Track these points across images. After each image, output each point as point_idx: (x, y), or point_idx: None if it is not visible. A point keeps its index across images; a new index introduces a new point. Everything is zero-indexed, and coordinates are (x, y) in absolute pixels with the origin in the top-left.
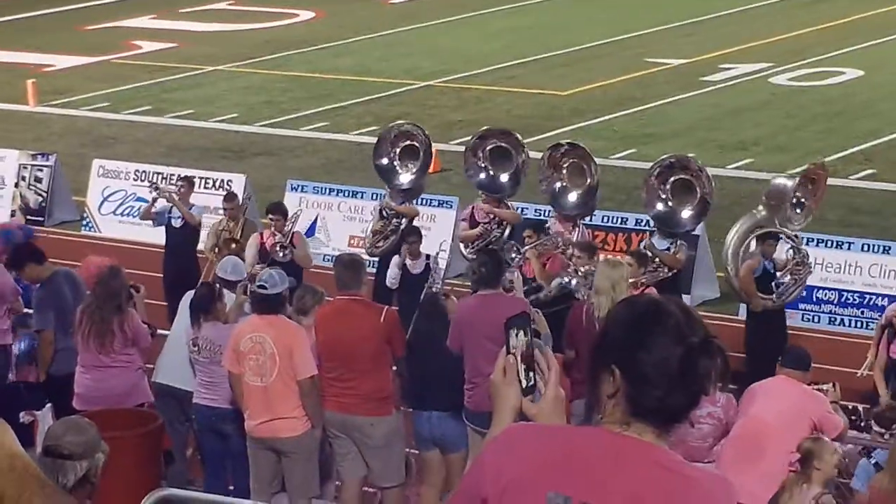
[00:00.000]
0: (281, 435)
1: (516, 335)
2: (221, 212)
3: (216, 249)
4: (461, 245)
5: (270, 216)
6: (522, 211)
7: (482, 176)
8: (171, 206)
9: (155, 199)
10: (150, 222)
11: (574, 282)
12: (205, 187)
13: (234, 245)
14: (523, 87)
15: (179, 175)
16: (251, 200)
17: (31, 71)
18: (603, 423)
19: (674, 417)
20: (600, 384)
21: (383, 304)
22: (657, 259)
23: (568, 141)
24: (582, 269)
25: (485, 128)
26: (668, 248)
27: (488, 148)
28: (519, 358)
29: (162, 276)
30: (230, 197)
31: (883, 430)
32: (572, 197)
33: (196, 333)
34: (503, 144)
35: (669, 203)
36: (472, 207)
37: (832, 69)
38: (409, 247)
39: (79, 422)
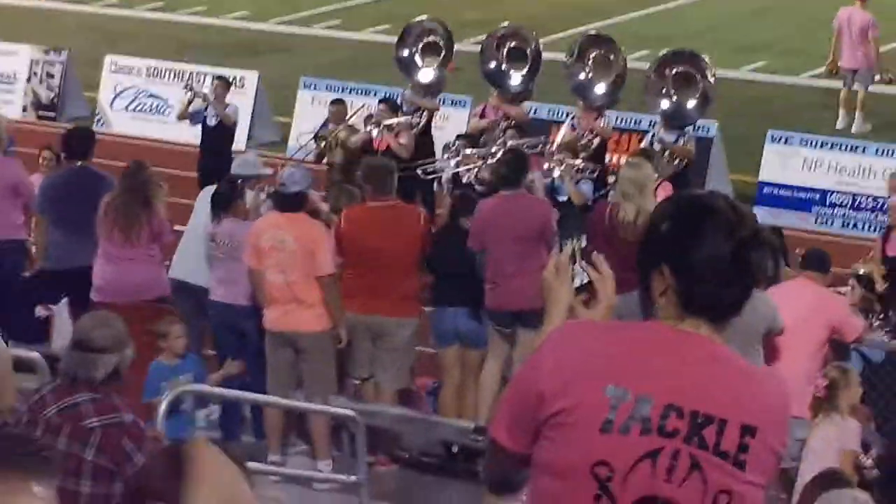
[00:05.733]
0: (300, 329)
1: (569, 235)
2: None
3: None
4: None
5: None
6: (535, 111)
7: (493, 67)
8: (206, 106)
9: (191, 100)
10: (188, 121)
11: (557, 174)
12: None
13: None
14: None
15: (214, 75)
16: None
17: None
18: (659, 318)
19: (727, 311)
20: (651, 282)
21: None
22: (667, 152)
23: (594, 32)
24: (564, 164)
25: (504, 24)
26: (677, 140)
27: (508, 46)
28: (572, 257)
29: (197, 174)
30: (337, 101)
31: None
32: (599, 88)
33: (215, 229)
34: (521, 46)
35: (673, 97)
36: (485, 104)
37: None
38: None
39: (107, 316)
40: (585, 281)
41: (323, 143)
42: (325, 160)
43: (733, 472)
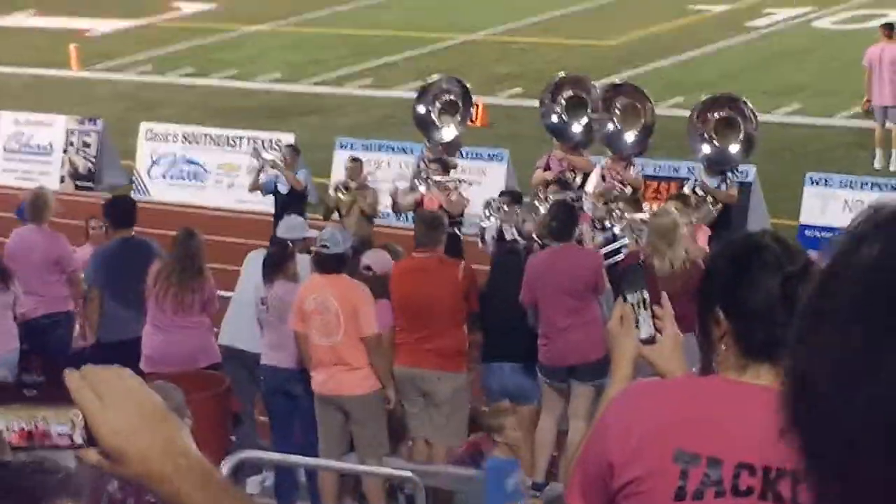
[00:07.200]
0: (348, 393)
1: (631, 284)
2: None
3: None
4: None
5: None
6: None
7: (554, 120)
8: (277, 174)
9: (260, 169)
10: (259, 192)
11: (618, 229)
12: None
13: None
14: (568, 38)
15: (283, 143)
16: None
17: (72, 35)
18: (720, 370)
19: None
20: (709, 329)
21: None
22: (709, 197)
23: (619, 81)
24: (626, 216)
25: (562, 74)
26: (719, 186)
27: (565, 95)
28: (635, 307)
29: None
30: (353, 159)
31: None
32: (629, 137)
33: (266, 292)
34: (581, 94)
35: (715, 142)
36: (548, 155)
37: (875, 11)
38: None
39: (165, 386)
40: (652, 334)
41: (334, 202)
42: (334, 217)
43: None
